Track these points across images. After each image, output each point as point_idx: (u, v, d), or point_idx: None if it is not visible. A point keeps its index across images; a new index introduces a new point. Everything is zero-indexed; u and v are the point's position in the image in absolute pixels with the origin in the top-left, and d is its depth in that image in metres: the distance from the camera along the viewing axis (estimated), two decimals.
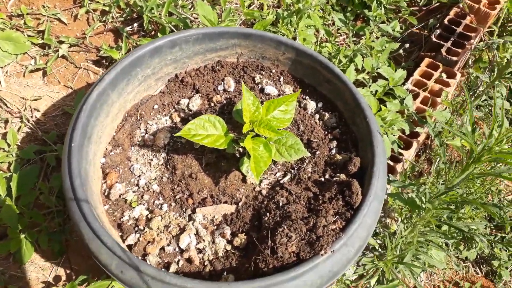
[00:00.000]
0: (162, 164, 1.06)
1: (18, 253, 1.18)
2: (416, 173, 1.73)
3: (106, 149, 1.04)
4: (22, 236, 1.18)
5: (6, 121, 1.36)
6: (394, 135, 1.42)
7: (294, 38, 1.57)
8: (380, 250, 1.42)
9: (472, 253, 1.66)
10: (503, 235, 1.68)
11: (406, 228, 1.33)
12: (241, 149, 1.06)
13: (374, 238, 1.54)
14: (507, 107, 1.84)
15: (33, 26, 1.52)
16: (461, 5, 1.92)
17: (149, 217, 0.96)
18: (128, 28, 1.56)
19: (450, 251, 1.63)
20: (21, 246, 1.17)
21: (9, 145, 1.30)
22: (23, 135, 1.35)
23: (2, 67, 1.44)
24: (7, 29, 1.48)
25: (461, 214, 1.59)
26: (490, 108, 1.88)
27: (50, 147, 1.33)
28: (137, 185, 1.02)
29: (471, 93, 1.85)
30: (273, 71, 1.22)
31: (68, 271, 1.22)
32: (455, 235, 1.44)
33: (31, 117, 1.39)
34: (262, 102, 1.17)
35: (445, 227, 1.40)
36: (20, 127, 1.36)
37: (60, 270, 1.21)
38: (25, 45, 1.46)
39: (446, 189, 0.96)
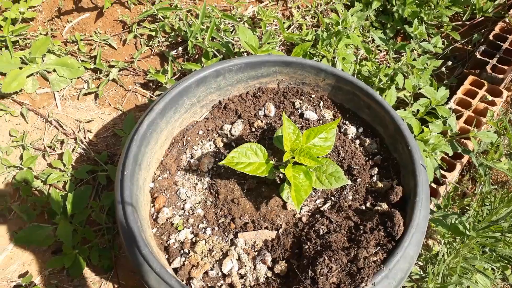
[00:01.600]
0: (206, 188, 1.10)
1: (71, 268, 1.26)
2: (460, 192, 1.68)
3: (155, 174, 1.10)
4: (75, 251, 1.26)
5: (62, 142, 1.46)
6: (436, 158, 1.40)
7: (333, 59, 1.58)
8: (421, 273, 1.40)
9: None
10: None
11: (449, 253, 1.30)
12: (281, 175, 1.09)
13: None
14: None
15: (86, 51, 1.63)
16: (507, 20, 1.86)
17: (194, 241, 1.01)
18: (173, 52, 1.63)
19: (496, 276, 1.57)
20: (74, 261, 1.26)
21: (64, 165, 1.40)
22: (77, 155, 1.45)
23: (58, 91, 1.56)
24: (62, 55, 1.59)
25: (509, 238, 1.53)
26: None
27: (101, 167, 1.41)
28: (183, 209, 1.07)
29: None
30: (313, 96, 1.24)
31: (116, 286, 1.29)
32: (501, 259, 1.39)
33: (84, 138, 1.48)
34: (302, 128, 1.19)
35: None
36: (74, 148, 1.45)
37: (108, 285, 1.29)
38: (79, 70, 1.56)
39: (490, 222, 0.94)
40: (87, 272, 1.29)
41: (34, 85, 1.51)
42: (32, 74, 1.52)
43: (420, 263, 1.46)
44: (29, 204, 1.33)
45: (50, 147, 1.45)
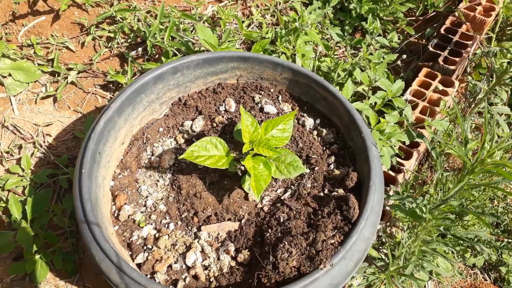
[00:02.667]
0: (168, 185, 1.11)
1: (34, 273, 1.23)
2: (420, 181, 1.75)
3: (115, 172, 1.09)
4: (37, 256, 1.23)
5: (20, 147, 1.43)
6: (394, 147, 1.45)
7: (293, 55, 1.62)
8: (385, 259, 1.45)
9: (479, 260, 1.67)
10: (510, 240, 1.69)
11: (409, 238, 1.36)
12: (242, 168, 1.11)
13: (380, 248, 1.56)
14: (508, 112, 1.86)
15: (42, 55, 1.60)
16: (456, 14, 1.95)
17: (157, 236, 1.01)
18: (133, 53, 1.63)
19: (456, 259, 1.64)
20: (36, 266, 1.23)
21: (23, 170, 1.37)
22: (36, 160, 1.42)
23: (15, 96, 1.52)
24: (18, 59, 1.55)
25: (466, 222, 1.61)
26: (490, 114, 1.90)
27: (62, 170, 1.39)
28: (145, 205, 1.07)
29: (471, 99, 1.88)
30: (272, 90, 1.27)
31: None
32: (461, 242, 1.46)
33: (44, 142, 1.45)
34: (262, 121, 1.21)
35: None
36: (33, 152, 1.42)
37: None
38: (36, 74, 1.53)
39: (441, 201, 0.99)
40: (51, 277, 1.27)
41: None
42: None
43: (385, 251, 1.51)
44: None
45: (7, 152, 1.41)
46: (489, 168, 0.92)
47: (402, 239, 1.40)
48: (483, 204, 1.66)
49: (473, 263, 1.70)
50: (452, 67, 1.74)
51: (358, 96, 1.75)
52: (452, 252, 1.63)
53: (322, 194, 1.06)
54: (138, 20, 1.68)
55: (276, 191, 1.10)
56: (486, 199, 1.65)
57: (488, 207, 1.70)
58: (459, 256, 1.72)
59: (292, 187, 1.10)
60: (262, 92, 1.27)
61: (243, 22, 1.76)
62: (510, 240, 1.69)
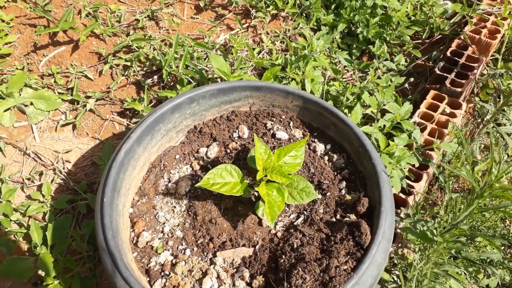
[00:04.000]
0: (184, 211, 1.14)
1: None
2: (430, 201, 1.77)
3: (134, 199, 1.14)
4: (57, 282, 1.26)
5: (41, 174, 1.48)
6: (404, 169, 1.48)
7: (303, 81, 1.67)
8: (398, 282, 1.45)
9: (492, 281, 1.67)
10: None
11: (421, 260, 1.37)
12: (256, 194, 1.14)
13: (392, 269, 1.57)
14: None
15: (62, 84, 1.67)
16: (462, 37, 1.99)
17: (174, 262, 1.04)
18: (149, 81, 1.69)
19: (469, 280, 1.64)
20: None
21: (43, 196, 1.42)
22: (56, 186, 1.47)
23: (36, 124, 1.58)
24: (39, 88, 1.62)
25: (478, 243, 1.61)
26: (499, 133, 1.92)
27: (81, 196, 1.43)
28: (162, 231, 1.10)
29: (479, 119, 1.90)
30: (283, 117, 1.31)
31: None
32: (472, 263, 1.46)
33: (63, 168, 1.51)
34: (274, 147, 1.25)
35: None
36: (53, 178, 1.48)
37: None
38: (56, 102, 1.60)
39: (451, 225, 1.01)
40: None
41: (11, 119, 1.54)
42: (9, 108, 1.55)
43: (397, 272, 1.52)
44: (9, 237, 1.34)
45: (28, 179, 1.46)
46: (497, 193, 0.95)
47: (414, 261, 1.41)
48: (495, 224, 1.66)
49: (486, 284, 1.69)
50: (459, 89, 1.78)
51: (368, 119, 1.78)
52: (465, 273, 1.63)
53: (334, 219, 1.09)
54: (154, 49, 1.75)
55: (289, 217, 1.13)
56: (497, 219, 1.66)
57: (499, 228, 1.71)
58: (472, 278, 1.71)
59: (305, 212, 1.13)
60: (274, 119, 1.32)
61: (254, 49, 1.83)
62: None
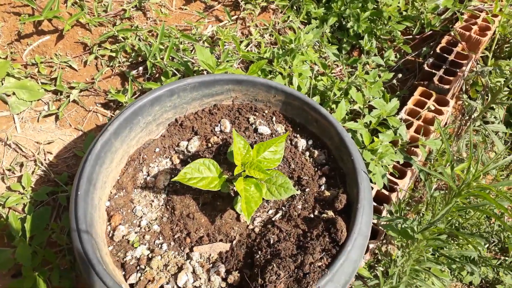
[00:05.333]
0: (162, 205, 1.13)
1: None
2: (417, 198, 1.77)
3: (111, 192, 1.12)
4: (35, 274, 1.26)
5: (22, 165, 1.47)
6: (388, 166, 1.47)
7: (290, 75, 1.65)
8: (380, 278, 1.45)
9: (475, 278, 1.68)
10: (507, 258, 1.69)
11: (402, 257, 1.37)
12: (235, 189, 1.13)
13: (376, 265, 1.57)
14: (503, 130, 1.87)
15: (46, 74, 1.64)
16: (452, 33, 1.98)
17: (150, 257, 1.03)
18: (134, 72, 1.67)
19: (452, 278, 1.64)
20: (34, 283, 1.25)
21: (23, 188, 1.40)
22: (37, 177, 1.45)
23: (18, 114, 1.56)
24: (22, 78, 1.60)
25: (461, 240, 1.61)
26: (485, 132, 1.92)
27: (62, 188, 1.42)
28: (139, 225, 1.09)
29: (467, 117, 1.89)
30: (266, 112, 1.30)
31: None
32: (453, 261, 1.47)
33: (44, 160, 1.49)
34: (255, 142, 1.24)
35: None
36: (34, 170, 1.46)
37: None
38: (39, 93, 1.58)
39: (428, 224, 1.00)
40: None
41: None
42: None
43: (381, 268, 1.52)
44: None
45: (9, 170, 1.45)
46: (474, 192, 0.94)
47: (397, 257, 1.41)
48: (478, 222, 1.67)
49: (469, 281, 1.70)
50: (447, 86, 1.77)
51: (355, 114, 1.77)
52: (449, 270, 1.63)
53: (312, 215, 1.08)
54: (140, 40, 1.72)
55: (267, 212, 1.12)
56: (480, 217, 1.66)
57: (484, 225, 1.71)
58: (456, 274, 1.72)
59: (283, 208, 1.12)
60: (257, 113, 1.31)
61: (241, 42, 1.81)
62: (506, 258, 1.69)
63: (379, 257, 1.56)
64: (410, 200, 1.70)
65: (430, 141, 1.55)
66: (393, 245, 1.60)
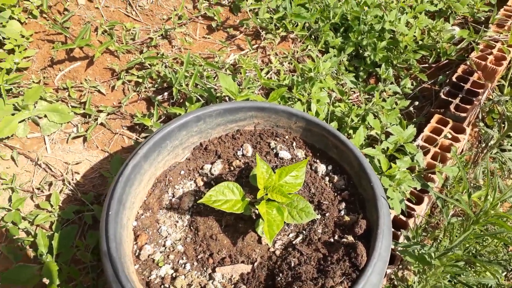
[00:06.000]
0: (186, 226, 1.18)
1: None
2: (433, 224, 1.77)
3: (138, 213, 1.17)
4: None
5: (50, 184, 1.53)
6: (405, 192, 1.49)
7: (309, 101, 1.71)
8: None
9: None
10: None
11: (419, 283, 1.37)
12: (257, 211, 1.17)
13: None
14: None
15: (76, 97, 1.73)
16: (468, 63, 2.02)
17: (174, 276, 1.07)
18: (159, 97, 1.75)
19: None
20: None
21: (52, 206, 1.46)
22: (64, 196, 1.51)
23: (48, 135, 1.64)
24: (54, 101, 1.69)
25: (478, 267, 1.61)
26: (502, 159, 1.92)
27: (88, 207, 1.48)
28: (164, 245, 1.13)
29: (483, 144, 1.91)
30: (287, 137, 1.35)
31: None
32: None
33: (72, 179, 1.55)
34: (276, 166, 1.29)
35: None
36: (62, 189, 1.52)
37: None
38: (69, 115, 1.66)
39: (445, 250, 1.02)
40: None
41: (25, 130, 1.60)
42: (23, 120, 1.61)
43: None
44: (16, 244, 1.38)
45: (38, 188, 1.51)
46: (492, 220, 0.96)
47: (414, 283, 1.41)
48: (496, 249, 1.66)
49: None
50: (463, 114, 1.79)
51: (372, 140, 1.81)
52: None
53: (332, 240, 1.11)
54: (165, 67, 1.81)
55: (288, 236, 1.15)
56: (498, 244, 1.65)
57: (502, 253, 1.70)
58: None
59: (304, 232, 1.15)
60: (278, 139, 1.35)
61: (262, 69, 1.88)
62: None
63: (395, 282, 1.56)
64: (426, 226, 1.70)
65: (447, 168, 1.56)
66: (409, 270, 1.60)
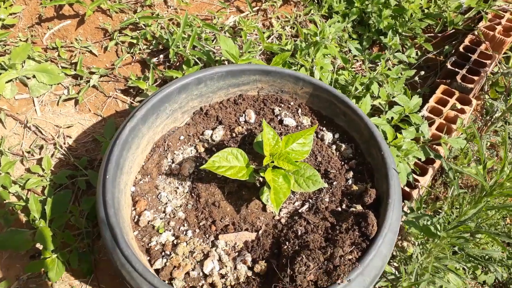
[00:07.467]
0: (187, 192, 1.13)
1: (50, 272, 1.25)
2: (433, 196, 1.75)
3: (136, 178, 1.12)
4: (54, 256, 1.25)
5: (41, 147, 1.46)
6: (410, 163, 1.46)
7: (312, 67, 1.64)
8: (396, 273, 1.45)
9: (490, 277, 1.67)
10: None
11: (422, 254, 1.36)
12: (261, 179, 1.12)
13: (391, 260, 1.56)
14: None
15: (66, 58, 1.63)
16: (476, 33, 1.96)
17: (175, 243, 1.02)
18: (154, 59, 1.65)
19: (467, 276, 1.63)
20: (53, 265, 1.25)
21: (43, 170, 1.40)
22: (56, 161, 1.45)
23: (38, 97, 1.55)
24: (42, 61, 1.59)
25: (478, 239, 1.60)
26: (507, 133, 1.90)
27: (81, 172, 1.41)
28: (164, 212, 1.09)
29: (487, 117, 1.87)
30: (292, 103, 1.29)
31: None
32: (472, 259, 1.45)
33: (64, 143, 1.48)
34: (281, 134, 1.23)
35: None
36: (53, 153, 1.45)
37: None
38: (59, 76, 1.57)
39: (458, 222, 0.99)
40: (66, 276, 1.29)
41: (12, 90, 1.51)
42: (11, 80, 1.51)
43: (395, 264, 1.51)
44: (7, 209, 1.32)
45: (28, 152, 1.44)
46: (508, 192, 0.93)
47: (414, 254, 1.40)
48: (496, 222, 1.66)
49: (483, 280, 1.69)
50: (470, 86, 1.75)
51: (374, 110, 1.76)
52: (464, 268, 1.62)
53: (340, 209, 1.07)
54: (161, 28, 1.71)
55: (293, 204, 1.11)
56: (499, 217, 1.65)
57: (501, 226, 1.70)
58: (470, 273, 1.71)
59: (310, 200, 1.11)
60: (282, 105, 1.29)
61: (263, 33, 1.79)
62: None
63: (395, 253, 1.55)
64: (426, 198, 1.69)
65: (453, 140, 1.53)
66: (409, 241, 1.59)
